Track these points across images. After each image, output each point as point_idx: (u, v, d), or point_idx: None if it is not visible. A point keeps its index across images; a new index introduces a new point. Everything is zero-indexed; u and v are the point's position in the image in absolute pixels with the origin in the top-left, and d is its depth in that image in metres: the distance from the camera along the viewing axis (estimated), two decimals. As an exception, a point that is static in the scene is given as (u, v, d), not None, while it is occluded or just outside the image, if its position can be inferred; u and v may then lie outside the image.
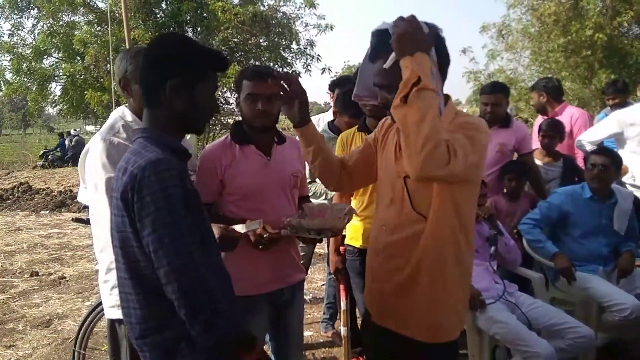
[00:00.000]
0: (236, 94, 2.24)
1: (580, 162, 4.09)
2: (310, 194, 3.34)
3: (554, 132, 3.82)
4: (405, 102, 1.47)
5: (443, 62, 1.66)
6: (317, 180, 3.06)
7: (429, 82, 1.47)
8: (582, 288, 3.10)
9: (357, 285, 2.80)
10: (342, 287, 3.13)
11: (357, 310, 3.28)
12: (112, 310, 2.03)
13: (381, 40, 1.64)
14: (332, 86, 3.87)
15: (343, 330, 3.20)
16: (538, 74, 12.87)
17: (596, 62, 11.63)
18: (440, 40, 1.66)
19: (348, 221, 2.11)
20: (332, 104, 3.97)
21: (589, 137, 3.95)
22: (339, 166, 1.98)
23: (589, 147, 3.86)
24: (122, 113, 2.08)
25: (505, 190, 3.61)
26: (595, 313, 3.08)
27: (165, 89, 1.47)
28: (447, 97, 1.72)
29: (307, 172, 3.41)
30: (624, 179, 3.87)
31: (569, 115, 4.38)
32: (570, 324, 2.71)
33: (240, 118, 2.29)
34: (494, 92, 3.60)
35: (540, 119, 4.49)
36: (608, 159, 3.25)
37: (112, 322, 2.08)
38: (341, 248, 2.92)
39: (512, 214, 3.57)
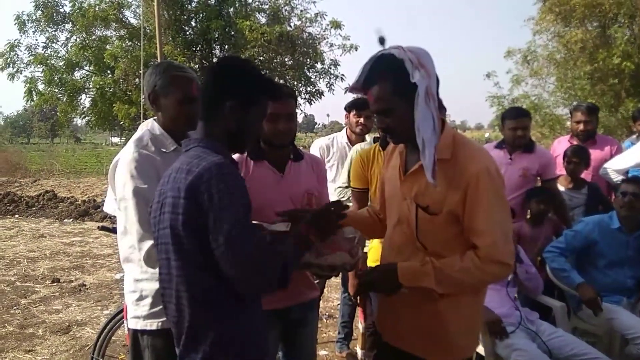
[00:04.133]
0: None
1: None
2: (344, 199, 3.35)
3: (579, 158, 3.78)
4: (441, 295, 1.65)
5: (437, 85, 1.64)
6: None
7: (430, 282, 1.63)
8: (606, 319, 3.02)
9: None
10: (360, 310, 3.10)
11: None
12: (137, 321, 2.03)
13: (380, 66, 1.64)
14: (349, 107, 3.91)
15: (360, 353, 3.16)
16: (563, 101, 12.76)
17: (623, 91, 11.49)
18: (430, 62, 1.62)
19: (359, 252, 2.03)
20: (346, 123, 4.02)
21: (614, 165, 3.89)
22: (374, 217, 2.04)
23: (613, 176, 3.80)
24: (150, 126, 2.10)
25: (528, 216, 3.57)
26: (619, 345, 3.00)
27: (223, 108, 1.56)
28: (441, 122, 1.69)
29: (342, 178, 3.43)
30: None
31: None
32: (592, 355, 2.64)
33: None
34: (522, 117, 3.61)
35: (558, 145, 4.44)
36: (639, 188, 3.20)
37: (135, 333, 2.07)
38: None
39: (535, 239, 3.52)
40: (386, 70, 1.62)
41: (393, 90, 1.62)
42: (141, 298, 2.02)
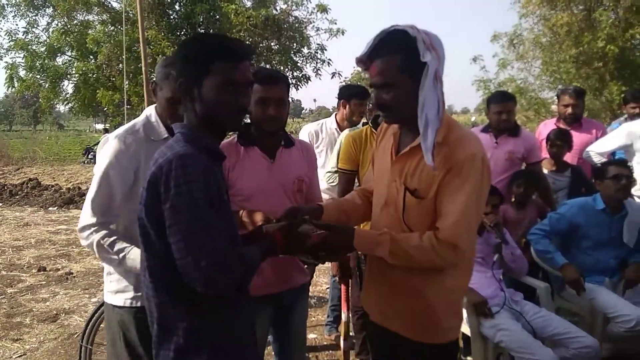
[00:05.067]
0: None
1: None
2: (334, 184, 3.36)
3: (562, 141, 3.82)
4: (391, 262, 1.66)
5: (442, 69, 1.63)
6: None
7: (384, 251, 1.64)
8: (588, 299, 3.09)
9: None
10: (344, 297, 3.08)
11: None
12: (108, 294, 2.17)
13: (392, 40, 1.61)
14: (350, 96, 3.87)
15: (342, 343, 3.13)
16: (548, 84, 12.87)
17: (607, 74, 11.60)
18: (442, 47, 1.62)
19: None
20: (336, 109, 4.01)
21: (597, 148, 3.94)
22: (364, 201, 2.00)
23: (596, 159, 3.85)
24: (149, 113, 2.16)
25: (513, 199, 3.61)
26: (601, 324, 3.07)
27: (185, 94, 1.48)
28: None
29: (331, 163, 3.44)
30: (632, 190, 3.86)
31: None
32: (574, 333, 2.71)
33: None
34: (507, 101, 3.64)
35: (544, 128, 4.48)
36: (630, 170, 3.25)
37: (109, 306, 2.18)
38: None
39: (520, 222, 3.57)
40: (396, 45, 1.59)
41: (400, 66, 1.59)
42: (109, 274, 2.16)
